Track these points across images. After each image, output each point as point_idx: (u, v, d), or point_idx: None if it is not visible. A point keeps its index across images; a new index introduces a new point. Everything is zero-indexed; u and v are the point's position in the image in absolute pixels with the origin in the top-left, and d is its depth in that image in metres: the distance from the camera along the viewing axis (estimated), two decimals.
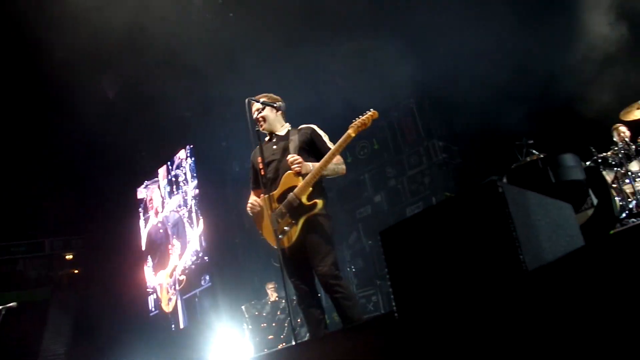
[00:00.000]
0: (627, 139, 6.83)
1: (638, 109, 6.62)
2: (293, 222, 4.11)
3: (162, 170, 13.24)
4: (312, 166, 4.16)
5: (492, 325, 2.08)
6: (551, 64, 7.63)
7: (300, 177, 4.15)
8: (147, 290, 13.18)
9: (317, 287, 4.31)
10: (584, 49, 7.47)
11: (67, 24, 7.94)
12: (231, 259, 11.04)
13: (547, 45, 7.67)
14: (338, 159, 4.21)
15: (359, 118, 4.03)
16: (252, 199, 4.47)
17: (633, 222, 6.08)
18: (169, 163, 12.94)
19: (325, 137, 4.37)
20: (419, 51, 8.62)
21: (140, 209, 13.87)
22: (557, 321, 1.96)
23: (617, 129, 7.25)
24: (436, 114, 9.76)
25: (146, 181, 13.67)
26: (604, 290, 1.88)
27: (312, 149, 4.35)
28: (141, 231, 13.69)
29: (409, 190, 9.71)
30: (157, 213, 13.14)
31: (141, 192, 13.85)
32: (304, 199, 4.08)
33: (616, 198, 6.28)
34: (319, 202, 4.10)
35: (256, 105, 4.55)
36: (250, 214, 4.44)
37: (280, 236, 4.13)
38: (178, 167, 12.59)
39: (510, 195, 2.14)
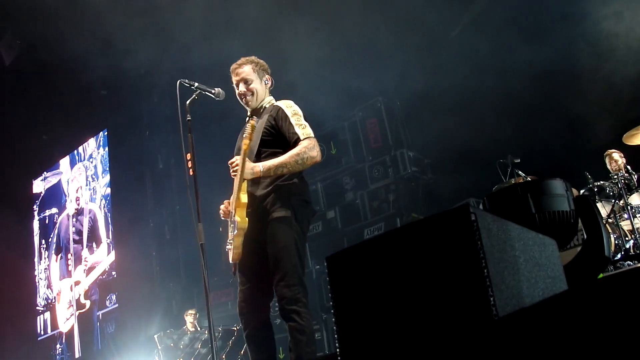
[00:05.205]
0: (623, 168, 6.94)
1: None
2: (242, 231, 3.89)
3: (64, 162, 12.92)
4: (261, 167, 3.86)
5: None
6: (546, 76, 7.80)
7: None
8: (37, 308, 12.84)
9: (268, 314, 4.17)
10: (586, 59, 7.67)
11: None
12: (145, 277, 10.85)
13: (542, 57, 7.86)
14: (303, 147, 3.88)
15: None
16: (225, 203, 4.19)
17: (629, 265, 6.25)
18: (75, 152, 12.63)
19: (294, 118, 4.00)
20: (397, 42, 8.71)
21: (35, 206, 13.52)
22: None
23: (609, 155, 7.24)
24: (409, 118, 9.82)
25: (45, 172, 13.34)
26: (587, 346, 1.92)
27: (278, 135, 4.03)
28: (34, 234, 13.35)
29: (369, 207, 9.74)
30: (74, 203, 12.73)
31: (38, 185, 13.52)
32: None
33: (611, 235, 6.43)
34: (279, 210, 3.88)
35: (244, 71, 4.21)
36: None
37: (228, 247, 3.97)
38: (86, 159, 12.32)
39: (484, 224, 2.17)
